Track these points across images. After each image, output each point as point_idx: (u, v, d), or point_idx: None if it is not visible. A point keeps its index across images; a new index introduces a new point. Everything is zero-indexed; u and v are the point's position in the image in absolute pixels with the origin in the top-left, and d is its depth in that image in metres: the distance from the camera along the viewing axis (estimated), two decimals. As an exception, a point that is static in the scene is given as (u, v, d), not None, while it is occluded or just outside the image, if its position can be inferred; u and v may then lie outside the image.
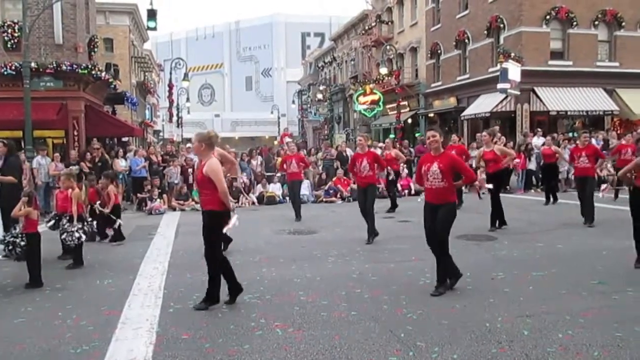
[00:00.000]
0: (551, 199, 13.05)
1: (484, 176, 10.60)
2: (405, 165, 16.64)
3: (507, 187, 16.33)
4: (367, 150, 9.26)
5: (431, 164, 5.82)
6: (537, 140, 17.97)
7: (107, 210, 9.51)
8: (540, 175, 15.94)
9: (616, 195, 12.43)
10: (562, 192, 15.86)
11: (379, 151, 14.13)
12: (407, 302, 5.32)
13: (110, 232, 9.71)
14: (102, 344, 4.39)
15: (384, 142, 21.22)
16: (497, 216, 9.70)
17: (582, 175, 9.98)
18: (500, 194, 13.58)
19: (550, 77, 22.77)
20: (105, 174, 10.47)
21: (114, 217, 9.53)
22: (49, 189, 13.91)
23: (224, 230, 5.31)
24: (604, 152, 16.46)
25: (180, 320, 4.97)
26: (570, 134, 21.30)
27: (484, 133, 10.47)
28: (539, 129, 19.55)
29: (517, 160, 14.96)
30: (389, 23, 35.62)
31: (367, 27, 37.84)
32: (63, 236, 7.50)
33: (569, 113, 22.83)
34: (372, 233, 8.82)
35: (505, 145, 16.33)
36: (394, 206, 12.71)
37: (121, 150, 16.96)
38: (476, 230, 9.42)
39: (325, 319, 4.89)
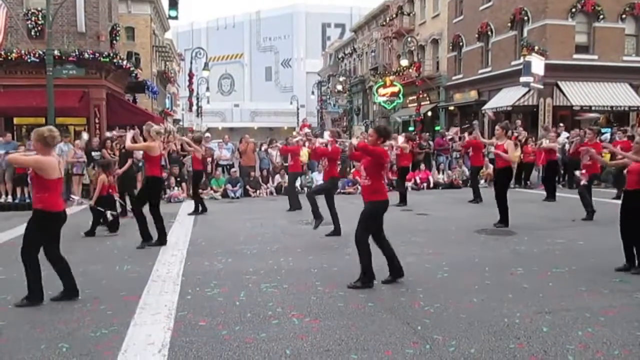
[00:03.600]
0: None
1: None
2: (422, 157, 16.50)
3: (528, 182, 16.14)
4: None
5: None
6: (561, 136, 17.64)
7: (91, 202, 9.14)
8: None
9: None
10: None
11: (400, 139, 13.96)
12: (424, 295, 5.29)
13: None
14: (121, 328, 4.44)
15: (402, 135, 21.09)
16: (502, 212, 9.39)
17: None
18: (522, 189, 13.41)
19: (575, 71, 22.41)
20: (96, 162, 9.81)
21: (102, 209, 9.03)
22: (69, 176, 14.09)
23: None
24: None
25: (198, 307, 5.01)
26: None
27: (497, 127, 10.28)
28: (562, 124, 19.24)
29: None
30: (411, 14, 35.31)
31: (388, 19, 37.58)
32: None
33: (593, 108, 22.46)
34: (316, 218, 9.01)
35: (527, 140, 16.18)
36: (403, 200, 12.57)
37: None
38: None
39: (342, 310, 4.88)
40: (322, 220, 8.88)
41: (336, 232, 8.67)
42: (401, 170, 13.14)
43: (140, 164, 12.38)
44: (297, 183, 15.95)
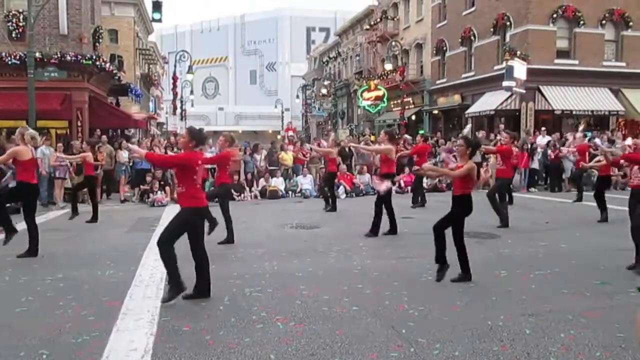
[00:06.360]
0: None
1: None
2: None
3: (511, 185, 16.27)
4: None
5: None
6: (541, 139, 17.95)
7: None
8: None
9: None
10: (565, 192, 15.88)
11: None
12: (408, 298, 5.30)
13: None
14: (103, 334, 4.38)
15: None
16: (376, 221, 8.85)
17: None
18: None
19: (556, 76, 22.67)
20: None
21: None
22: (52, 180, 13.91)
23: None
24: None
25: (182, 312, 4.96)
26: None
27: (382, 131, 9.66)
28: (544, 128, 19.52)
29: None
30: (395, 19, 35.50)
31: (372, 23, 37.74)
32: None
33: (574, 112, 22.74)
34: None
35: (512, 143, 16.33)
36: (327, 203, 12.46)
37: (124, 141, 16.96)
38: (478, 228, 9.37)
39: (327, 314, 4.87)
40: (217, 225, 8.28)
41: (229, 239, 8.38)
42: (328, 175, 12.81)
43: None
44: (282, 187, 15.99)
